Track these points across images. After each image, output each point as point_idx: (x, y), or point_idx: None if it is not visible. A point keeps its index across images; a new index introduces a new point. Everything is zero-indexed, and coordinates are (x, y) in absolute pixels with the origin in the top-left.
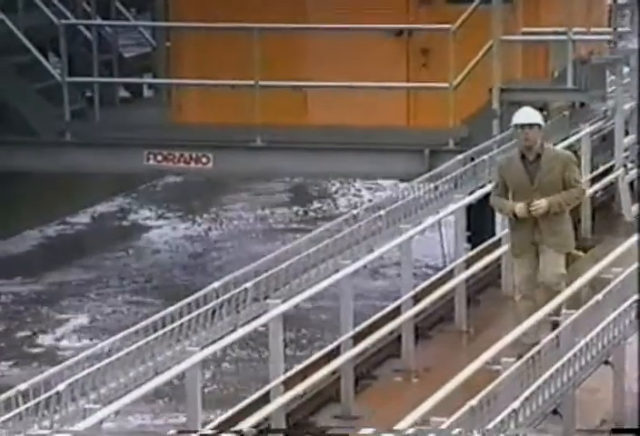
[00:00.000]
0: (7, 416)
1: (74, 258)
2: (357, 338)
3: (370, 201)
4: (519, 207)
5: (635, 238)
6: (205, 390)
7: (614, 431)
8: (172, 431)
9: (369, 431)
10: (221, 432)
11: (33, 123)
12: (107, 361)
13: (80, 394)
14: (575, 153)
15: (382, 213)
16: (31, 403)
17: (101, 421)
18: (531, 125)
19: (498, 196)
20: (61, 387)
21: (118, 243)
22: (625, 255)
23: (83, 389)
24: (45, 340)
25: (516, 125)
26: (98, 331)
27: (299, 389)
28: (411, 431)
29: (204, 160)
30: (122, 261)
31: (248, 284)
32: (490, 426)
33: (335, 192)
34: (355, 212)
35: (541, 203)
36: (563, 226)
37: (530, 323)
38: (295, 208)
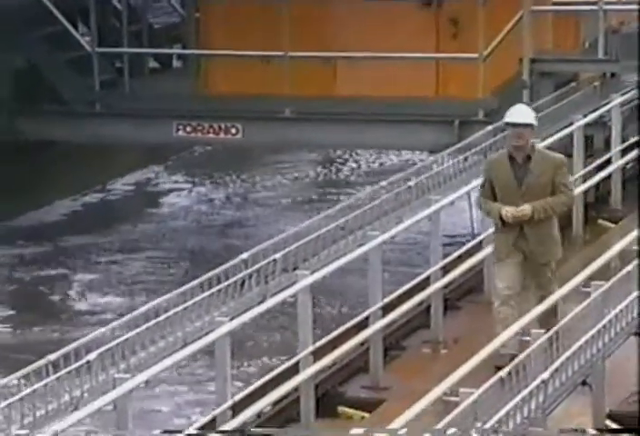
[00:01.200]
0: (38, 385)
1: (103, 226)
2: (386, 309)
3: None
4: (506, 211)
5: None
6: (234, 360)
7: (613, 431)
8: (156, 431)
9: (360, 430)
10: (206, 432)
11: (63, 94)
12: (137, 331)
13: (110, 364)
14: (570, 156)
15: (411, 183)
16: (62, 372)
17: (131, 391)
18: (525, 125)
19: (485, 197)
20: (91, 356)
21: (147, 212)
22: None
23: (113, 358)
24: (74, 304)
25: (508, 124)
26: (127, 299)
27: (328, 359)
28: (403, 431)
29: (233, 131)
30: (150, 229)
31: (277, 255)
32: (519, 397)
33: (364, 162)
34: (384, 183)
35: (524, 209)
36: (550, 233)
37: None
38: (323, 179)
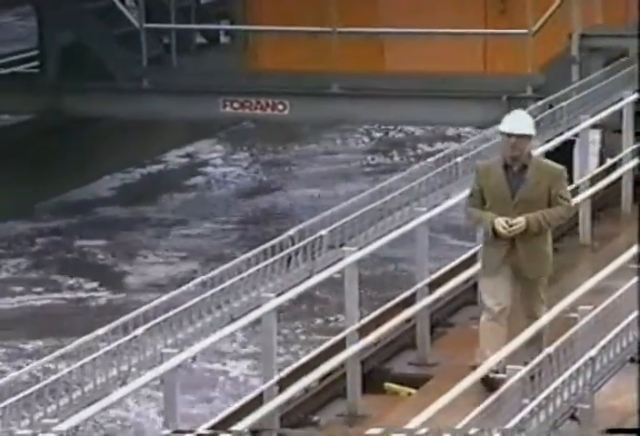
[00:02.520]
0: (85, 360)
1: (150, 199)
2: (433, 285)
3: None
4: (499, 223)
5: None
6: (280, 336)
7: (613, 431)
8: (167, 431)
9: (377, 430)
10: (217, 432)
11: (111, 70)
12: (184, 306)
13: (158, 339)
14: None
15: (458, 160)
16: (110, 347)
17: (178, 366)
18: (520, 136)
19: (474, 207)
20: (139, 331)
21: (194, 184)
22: None
23: (161, 333)
24: (123, 274)
25: (503, 133)
26: (175, 270)
27: (375, 335)
28: (423, 430)
29: (280, 107)
30: (197, 201)
31: (324, 232)
32: (567, 374)
33: (413, 138)
34: (432, 159)
35: (519, 222)
36: (542, 248)
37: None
38: (370, 155)
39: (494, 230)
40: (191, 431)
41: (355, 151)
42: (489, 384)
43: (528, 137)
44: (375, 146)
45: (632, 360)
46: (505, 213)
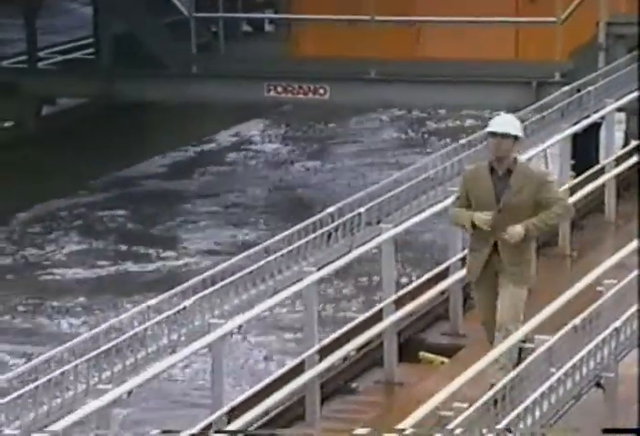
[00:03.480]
0: (138, 329)
1: (200, 175)
2: (465, 259)
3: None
4: (478, 217)
5: None
6: (320, 309)
7: (613, 431)
8: (155, 431)
9: (364, 430)
10: (205, 432)
11: (161, 57)
12: (230, 279)
13: (206, 310)
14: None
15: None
16: (160, 317)
17: (224, 335)
18: (504, 135)
19: (459, 208)
20: (187, 303)
21: (238, 162)
22: None
23: (209, 304)
24: (169, 243)
25: (489, 133)
26: (219, 240)
27: (410, 307)
28: (410, 431)
29: (321, 91)
30: (239, 177)
31: (362, 209)
32: (593, 344)
33: (446, 120)
34: (463, 140)
35: (516, 230)
36: (526, 255)
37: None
38: (404, 136)
39: (473, 226)
40: (178, 432)
41: (391, 131)
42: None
43: (513, 138)
44: (410, 127)
45: None
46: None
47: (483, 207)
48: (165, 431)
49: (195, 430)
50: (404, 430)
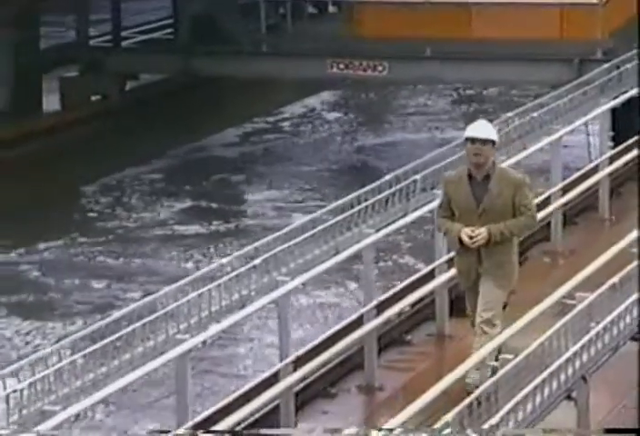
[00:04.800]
0: (210, 286)
1: (267, 146)
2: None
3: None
4: (465, 233)
5: None
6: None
7: (613, 431)
8: (143, 432)
9: (353, 430)
10: (195, 432)
11: (234, 36)
12: (295, 240)
13: (273, 268)
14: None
15: (535, 115)
16: (231, 274)
17: (289, 292)
18: (485, 141)
19: (444, 217)
20: (257, 261)
21: (304, 131)
22: None
23: (275, 263)
24: (241, 205)
25: (467, 139)
26: (287, 208)
27: (453, 271)
28: (399, 430)
29: (380, 68)
30: (305, 145)
31: (417, 176)
32: (629, 301)
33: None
34: (509, 114)
35: (481, 233)
36: (507, 257)
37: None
38: (459, 107)
39: (460, 240)
40: (168, 431)
41: (446, 103)
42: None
43: (491, 143)
44: (462, 99)
45: None
46: (472, 223)
47: (464, 213)
48: (154, 431)
49: (237, 393)
50: (392, 429)
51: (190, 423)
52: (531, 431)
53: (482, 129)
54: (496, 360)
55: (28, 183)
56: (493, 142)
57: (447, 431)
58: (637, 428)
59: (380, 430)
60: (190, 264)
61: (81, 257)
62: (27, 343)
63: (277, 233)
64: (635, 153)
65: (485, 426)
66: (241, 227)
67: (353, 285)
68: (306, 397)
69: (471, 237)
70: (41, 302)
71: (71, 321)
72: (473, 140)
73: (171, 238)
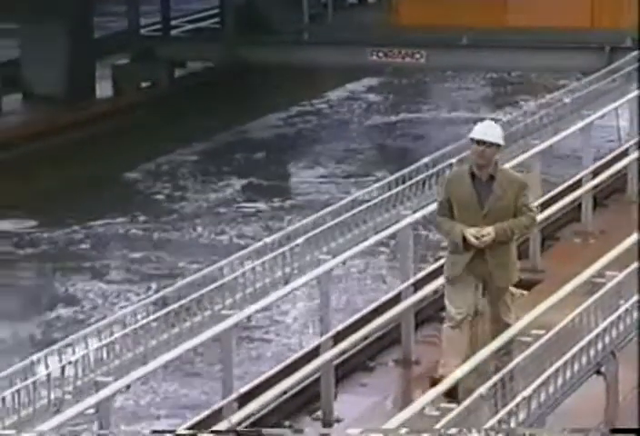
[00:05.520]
0: (255, 263)
1: (310, 129)
2: (544, 205)
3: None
4: (471, 234)
5: None
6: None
7: (613, 431)
8: (145, 432)
9: (356, 431)
10: (196, 432)
11: (278, 25)
12: (333, 222)
13: (314, 248)
14: None
15: (567, 100)
16: (275, 253)
17: (331, 269)
18: (489, 144)
19: (443, 217)
20: (299, 241)
21: (347, 118)
22: None
23: (316, 243)
24: (287, 190)
25: (473, 140)
26: (332, 185)
27: None
28: (404, 430)
29: (417, 56)
30: (349, 131)
31: (453, 160)
32: None
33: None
34: (544, 100)
35: (489, 233)
36: (509, 257)
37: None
38: (492, 94)
39: (464, 240)
40: (171, 432)
41: (483, 85)
42: (451, 395)
43: (497, 146)
44: (497, 86)
45: None
46: (474, 223)
47: (466, 213)
48: (155, 431)
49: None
50: (394, 429)
51: (235, 395)
52: (533, 431)
53: (489, 132)
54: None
55: (85, 165)
56: (497, 144)
57: (453, 430)
58: (637, 428)
59: (382, 430)
60: (243, 241)
61: (141, 232)
62: (104, 303)
63: (318, 213)
64: None
65: (517, 399)
66: (293, 203)
67: (392, 264)
68: (346, 370)
69: (477, 238)
70: (111, 270)
71: (139, 286)
72: (477, 141)
73: (227, 215)
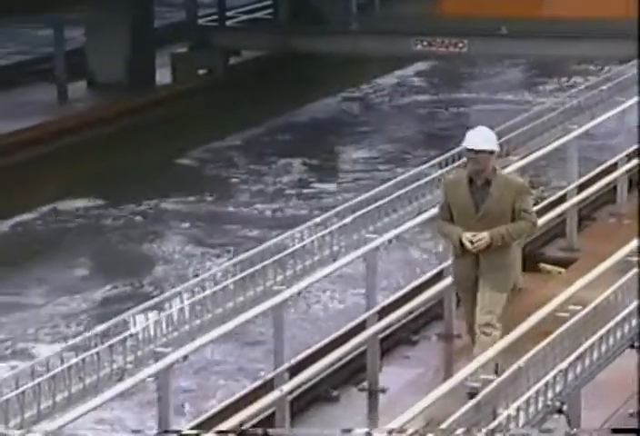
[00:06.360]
0: (307, 241)
1: (359, 114)
2: (581, 187)
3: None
4: (466, 238)
5: None
6: None
7: (614, 431)
8: (153, 432)
9: (362, 431)
10: (202, 432)
11: (328, 16)
12: (381, 202)
13: (362, 226)
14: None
15: (604, 87)
16: (325, 231)
17: (377, 248)
18: (481, 152)
19: (444, 220)
20: (347, 220)
21: (397, 101)
22: None
23: (364, 222)
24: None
25: (465, 148)
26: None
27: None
28: (411, 430)
29: (460, 45)
30: (396, 115)
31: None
32: None
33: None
34: (582, 86)
35: (483, 237)
36: (506, 260)
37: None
38: (536, 75)
39: (461, 244)
40: (177, 432)
41: (523, 71)
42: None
43: (489, 152)
44: (539, 73)
45: None
46: (470, 227)
47: (462, 217)
48: (164, 431)
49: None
50: (399, 429)
51: (286, 365)
52: (536, 432)
53: (478, 139)
54: (496, 372)
55: (148, 148)
56: (490, 151)
57: (460, 430)
58: (637, 428)
59: (387, 431)
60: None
61: (208, 208)
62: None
63: (365, 195)
64: None
65: (554, 371)
66: (343, 183)
67: (435, 243)
68: (390, 343)
69: (472, 242)
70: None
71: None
72: (470, 151)
73: (283, 194)
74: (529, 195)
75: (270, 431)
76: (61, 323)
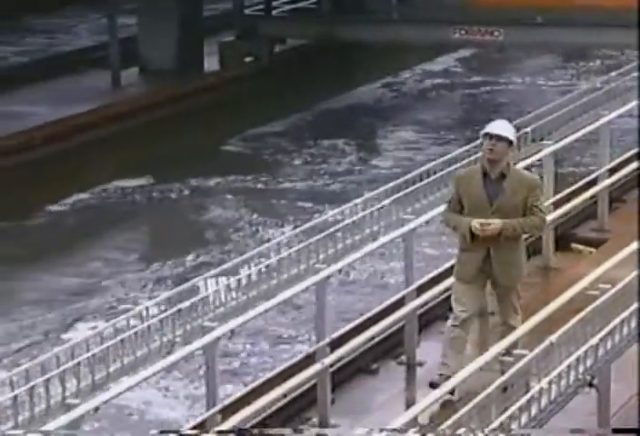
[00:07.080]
0: (349, 221)
1: (396, 100)
2: (612, 171)
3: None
4: (476, 223)
5: None
6: None
7: (614, 431)
8: (154, 431)
9: (362, 430)
10: (201, 432)
11: (369, 5)
12: (416, 185)
13: (399, 208)
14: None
15: (636, 74)
16: (364, 213)
17: (414, 228)
18: (500, 138)
19: (452, 212)
20: (385, 202)
21: (437, 87)
22: None
23: (401, 204)
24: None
25: (484, 134)
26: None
27: (565, 208)
28: (413, 430)
29: (496, 34)
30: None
31: (528, 129)
32: None
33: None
34: (613, 73)
35: (495, 223)
36: (516, 256)
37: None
38: (568, 68)
39: (471, 233)
40: (175, 432)
41: (557, 57)
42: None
43: (507, 141)
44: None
45: None
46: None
47: (475, 210)
48: (162, 431)
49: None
50: (397, 429)
51: (327, 340)
52: (536, 432)
53: (499, 126)
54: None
55: (196, 132)
56: (508, 141)
57: (461, 430)
58: (637, 428)
59: (385, 430)
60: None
61: (259, 186)
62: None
63: (402, 178)
64: None
65: (585, 347)
66: (383, 165)
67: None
68: (428, 319)
69: (483, 225)
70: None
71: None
72: (489, 136)
73: (327, 173)
74: (541, 191)
75: (266, 430)
76: (156, 288)
